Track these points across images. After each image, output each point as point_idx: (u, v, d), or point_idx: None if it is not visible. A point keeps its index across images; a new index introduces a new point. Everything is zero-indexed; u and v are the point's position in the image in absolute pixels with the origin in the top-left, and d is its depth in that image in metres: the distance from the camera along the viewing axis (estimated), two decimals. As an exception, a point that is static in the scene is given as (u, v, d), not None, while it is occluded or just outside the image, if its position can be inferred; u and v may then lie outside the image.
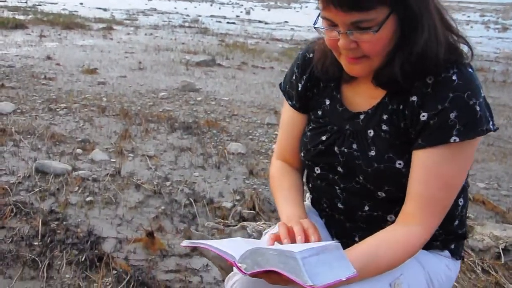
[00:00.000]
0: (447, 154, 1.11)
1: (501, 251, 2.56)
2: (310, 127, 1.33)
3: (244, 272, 0.94)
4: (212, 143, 4.17)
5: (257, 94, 6.39)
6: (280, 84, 1.44)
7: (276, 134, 4.63)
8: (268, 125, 4.91)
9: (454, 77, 1.10)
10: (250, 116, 5.25)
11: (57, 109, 4.87)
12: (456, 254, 1.31)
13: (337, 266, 0.98)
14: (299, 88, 1.35)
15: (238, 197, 3.13)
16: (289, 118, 1.40)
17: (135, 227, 2.65)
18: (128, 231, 2.60)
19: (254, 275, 0.96)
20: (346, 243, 1.30)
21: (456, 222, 1.28)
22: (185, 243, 1.05)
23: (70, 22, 13.09)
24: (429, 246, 1.26)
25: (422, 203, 1.13)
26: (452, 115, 1.08)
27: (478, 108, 1.09)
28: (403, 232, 1.13)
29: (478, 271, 2.41)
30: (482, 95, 1.12)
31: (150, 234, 2.50)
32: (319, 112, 1.32)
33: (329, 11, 1.09)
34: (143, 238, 2.50)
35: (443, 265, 1.27)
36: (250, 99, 6.06)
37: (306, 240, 1.12)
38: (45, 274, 2.13)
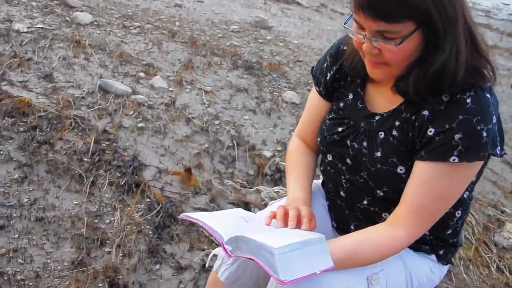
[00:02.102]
0: (445, 171, 1.16)
1: (523, 253, 2.57)
2: (330, 116, 1.40)
3: (229, 254, 1.08)
4: (269, 88, 4.25)
5: (328, 42, 6.31)
6: (312, 68, 1.49)
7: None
8: (329, 77, 4.89)
9: (468, 100, 1.13)
10: (314, 64, 5.23)
11: (131, 27, 5.05)
12: (443, 260, 1.38)
13: (315, 260, 1.09)
14: (328, 77, 1.41)
15: (279, 148, 3.24)
16: (314, 102, 1.47)
17: (177, 160, 2.84)
18: (170, 163, 2.79)
19: (237, 257, 1.09)
20: (342, 228, 1.41)
21: (449, 231, 1.34)
22: (183, 215, 1.18)
23: None
24: (417, 248, 1.34)
25: (412, 210, 1.20)
26: (457, 136, 1.12)
27: (484, 134, 1.12)
28: (387, 234, 1.21)
29: (492, 268, 2.45)
30: (494, 121, 1.14)
31: (188, 170, 2.68)
32: (341, 104, 1.38)
33: (359, 16, 1.13)
34: (181, 172, 2.69)
35: (427, 267, 1.35)
36: (319, 46, 6.01)
37: (298, 225, 1.23)
38: (88, 190, 2.37)
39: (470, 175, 1.19)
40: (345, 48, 1.37)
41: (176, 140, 3.06)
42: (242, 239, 1.08)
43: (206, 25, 5.85)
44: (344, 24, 1.22)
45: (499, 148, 1.18)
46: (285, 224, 1.23)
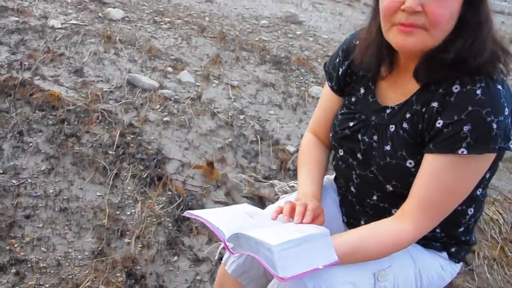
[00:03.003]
0: (453, 163, 1.14)
1: (552, 253, 2.49)
2: (342, 111, 1.39)
3: (230, 251, 1.08)
4: (296, 83, 4.24)
5: (358, 36, 6.24)
6: (325, 63, 1.48)
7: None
8: (358, 72, 4.85)
9: (478, 91, 1.10)
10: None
11: (161, 23, 5.12)
12: (455, 257, 1.35)
13: (318, 255, 1.08)
14: (340, 72, 1.40)
15: (303, 143, 3.23)
16: (327, 97, 1.46)
17: (200, 154, 2.87)
18: (193, 157, 2.82)
19: (239, 253, 1.10)
20: (353, 224, 1.41)
21: (461, 229, 1.32)
22: (187, 213, 1.19)
23: None
24: (427, 244, 1.32)
25: (419, 203, 1.18)
26: (466, 128, 1.10)
27: (495, 126, 1.09)
28: (394, 227, 1.20)
29: (519, 268, 2.39)
30: (506, 113, 1.11)
31: (210, 164, 2.71)
32: (353, 99, 1.37)
33: None
34: (203, 166, 2.72)
35: (437, 265, 1.33)
36: (350, 41, 5.95)
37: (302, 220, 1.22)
38: (111, 182, 2.42)
39: (480, 168, 1.16)
40: (357, 42, 1.36)
41: (200, 134, 3.09)
42: (242, 237, 1.08)
43: (236, 20, 5.87)
44: None
45: (512, 141, 1.15)
46: (292, 219, 1.23)
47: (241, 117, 3.42)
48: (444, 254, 1.34)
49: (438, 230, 1.29)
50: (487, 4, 1.15)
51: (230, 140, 3.09)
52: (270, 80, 4.16)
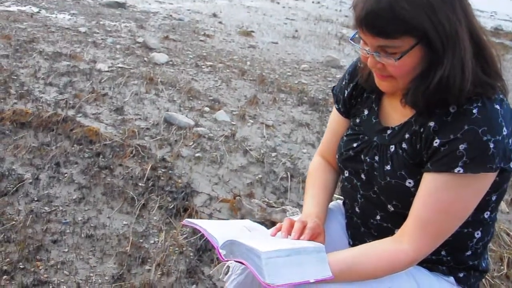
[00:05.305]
0: (450, 182, 1.12)
1: None
2: (347, 133, 1.40)
3: (222, 258, 1.10)
4: (332, 123, 4.24)
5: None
6: (333, 86, 1.51)
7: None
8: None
9: (474, 111, 1.10)
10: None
11: (203, 66, 5.30)
12: (464, 284, 1.30)
13: (310, 268, 1.08)
14: (345, 95, 1.42)
15: (335, 181, 3.21)
16: (335, 120, 1.48)
17: (229, 189, 2.90)
18: (222, 191, 2.86)
19: (230, 260, 1.11)
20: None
21: (469, 253, 1.27)
22: (186, 221, 1.22)
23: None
24: (433, 268, 1.28)
25: (417, 223, 1.16)
26: (462, 147, 1.09)
27: (492, 145, 1.08)
28: (391, 247, 1.18)
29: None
30: (505, 133, 1.10)
31: (237, 197, 2.73)
32: (357, 120, 1.38)
33: (360, 32, 1.15)
34: (230, 200, 2.74)
35: (442, 289, 1.28)
36: (390, 84, 5.94)
37: (300, 237, 1.22)
38: (137, 212, 2.48)
39: (478, 189, 1.14)
40: (362, 65, 1.38)
41: (231, 170, 3.13)
42: (234, 243, 1.10)
43: (277, 64, 5.99)
44: (351, 39, 1.24)
45: (513, 162, 1.12)
46: (290, 235, 1.23)
47: (273, 154, 3.44)
48: (451, 279, 1.29)
49: (443, 253, 1.26)
50: (460, 39, 1.10)
51: (260, 176, 3.11)
52: (305, 120, 4.19)
